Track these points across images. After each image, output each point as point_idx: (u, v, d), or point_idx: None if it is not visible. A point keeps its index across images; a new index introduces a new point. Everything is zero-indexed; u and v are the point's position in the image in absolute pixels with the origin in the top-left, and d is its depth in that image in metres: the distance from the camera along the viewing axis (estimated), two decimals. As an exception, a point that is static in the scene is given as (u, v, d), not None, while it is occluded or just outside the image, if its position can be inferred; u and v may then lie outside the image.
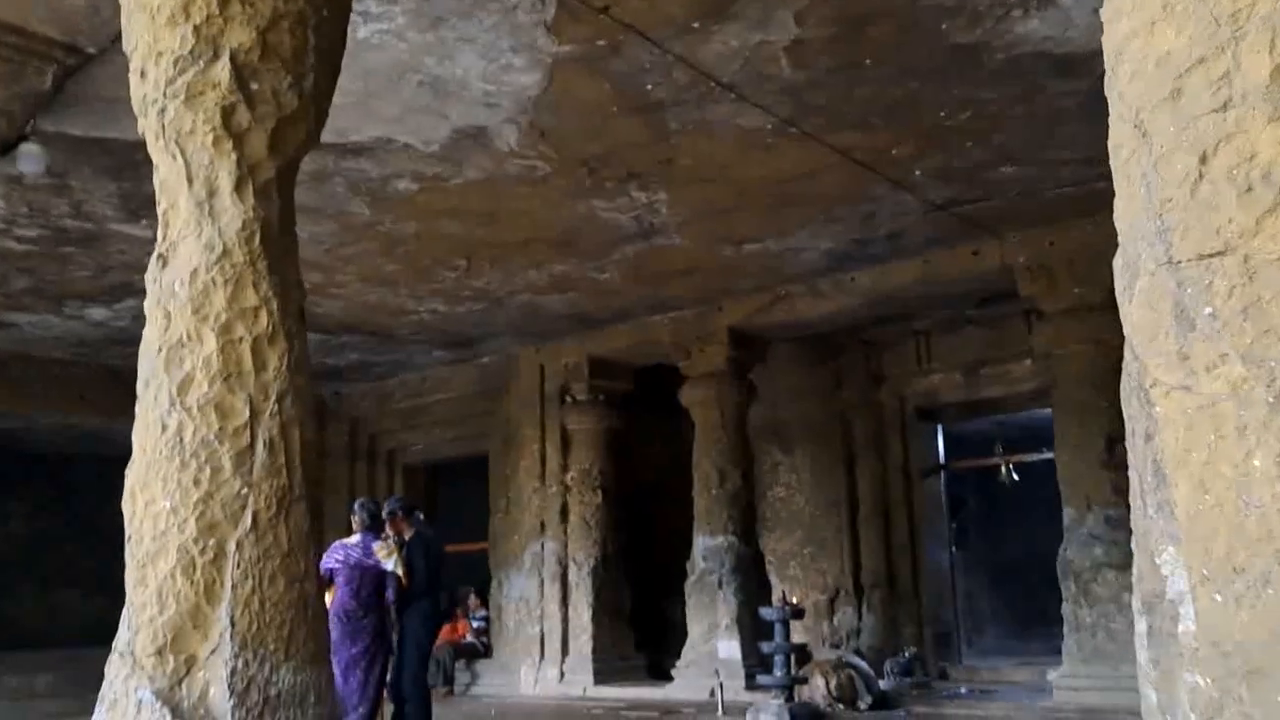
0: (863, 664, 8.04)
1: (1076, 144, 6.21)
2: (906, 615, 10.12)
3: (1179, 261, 1.18)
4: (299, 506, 2.84)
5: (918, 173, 6.65)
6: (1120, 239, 1.32)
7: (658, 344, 9.79)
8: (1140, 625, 1.23)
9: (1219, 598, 1.09)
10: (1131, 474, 1.31)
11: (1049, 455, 10.26)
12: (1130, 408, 1.28)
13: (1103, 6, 1.37)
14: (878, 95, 5.64)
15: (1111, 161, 1.34)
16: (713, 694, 8.39)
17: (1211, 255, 1.15)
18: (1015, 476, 10.95)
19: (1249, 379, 1.09)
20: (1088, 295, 7.47)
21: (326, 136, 6.01)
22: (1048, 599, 13.14)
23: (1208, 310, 1.14)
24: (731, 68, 5.35)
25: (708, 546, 9.14)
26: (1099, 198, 7.04)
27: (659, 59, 5.27)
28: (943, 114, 5.84)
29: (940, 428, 10.84)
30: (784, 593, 8.63)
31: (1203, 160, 1.17)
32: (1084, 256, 7.49)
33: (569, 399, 10.48)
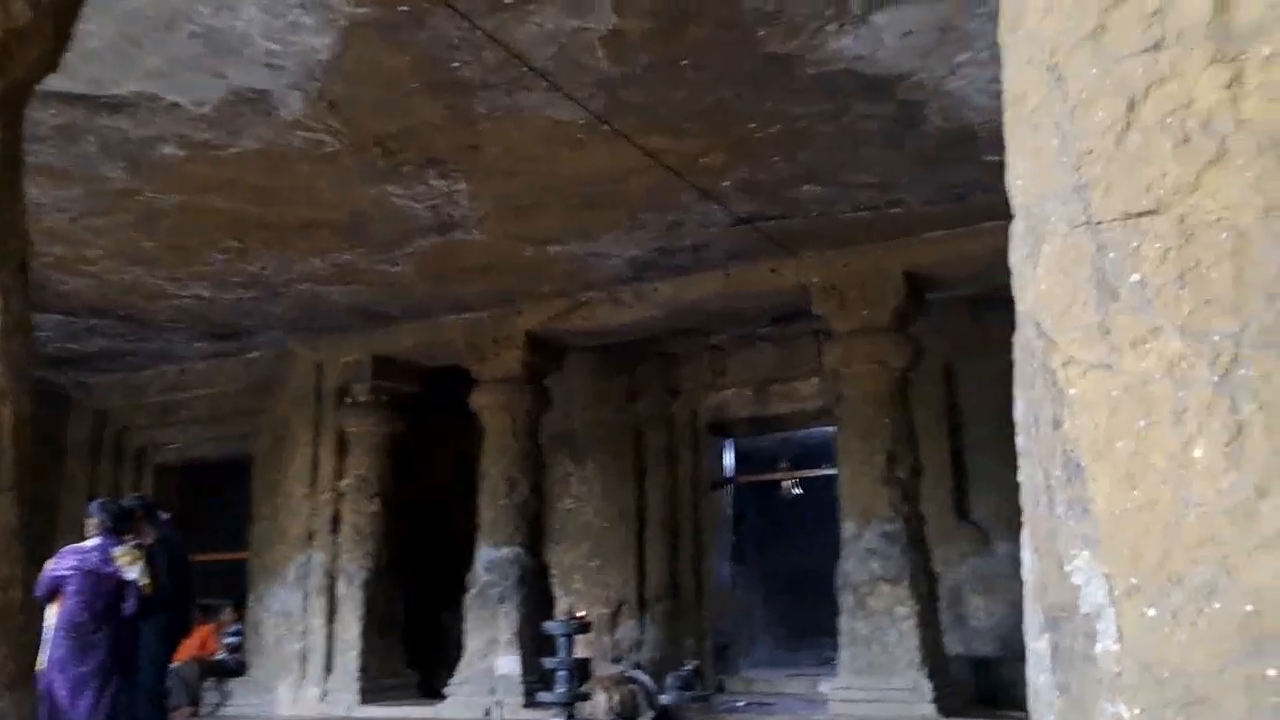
0: (645, 678, 7.92)
1: (876, 168, 6.37)
2: (688, 628, 10.14)
3: (1100, 222, 1.02)
4: (4, 498, 2.31)
5: (725, 184, 6.63)
6: (1018, 200, 1.16)
7: (450, 345, 9.34)
8: (1039, 644, 1.06)
9: (1151, 612, 0.93)
10: (1026, 467, 1.14)
11: (830, 471, 10.63)
12: (1031, 391, 1.11)
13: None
14: (693, 99, 5.54)
15: (1010, 112, 1.18)
16: (488, 713, 8.02)
17: (1140, 215, 0.99)
18: (798, 491, 11.26)
19: (1188, 355, 0.94)
20: (875, 317, 7.72)
21: (79, 87, 5.31)
22: (819, 611, 13.64)
23: (1135, 278, 0.99)
24: (546, 53, 5.10)
25: (492, 558, 8.77)
26: (891, 223, 7.34)
27: (468, 35, 4.93)
28: (753, 125, 5.82)
29: (731, 442, 10.98)
30: (571, 606, 8.40)
31: (1130, 107, 1.02)
32: (874, 280, 7.74)
33: (349, 400, 9.83)
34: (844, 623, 7.67)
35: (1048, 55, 1.10)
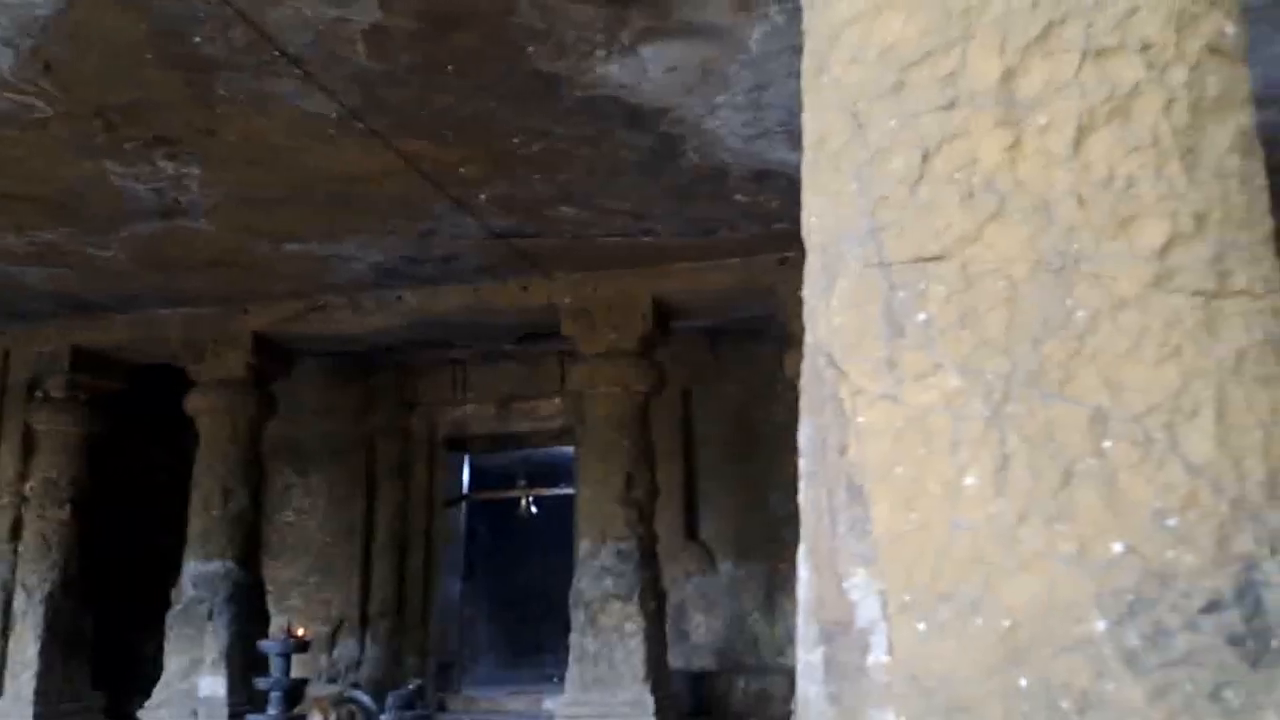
0: (365, 698, 7.61)
1: (632, 196, 6.54)
2: (412, 646, 9.88)
3: (891, 264, 1.09)
4: None
5: (482, 197, 6.57)
6: (815, 238, 1.22)
7: (165, 342, 8.59)
8: (813, 656, 1.11)
9: (921, 627, 1.00)
10: (809, 490, 1.19)
11: (567, 491, 10.76)
12: (820, 418, 1.17)
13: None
14: (455, 107, 5.45)
15: (811, 154, 1.24)
16: (189, 740, 7.41)
17: (929, 259, 1.07)
18: (534, 510, 11.29)
19: (964, 391, 1.02)
20: (622, 342, 7.92)
21: None
22: (542, 629, 13.74)
23: (921, 316, 1.07)
24: (301, 40, 4.83)
25: (200, 572, 8.11)
26: (643, 251, 7.57)
27: (216, 10, 4.59)
28: (516, 140, 5.81)
29: (468, 458, 10.84)
30: (288, 624, 7.92)
31: (924, 159, 1.10)
32: (623, 305, 7.95)
33: (41, 395, 8.79)
34: (574, 639, 7.75)
35: (852, 103, 1.18)
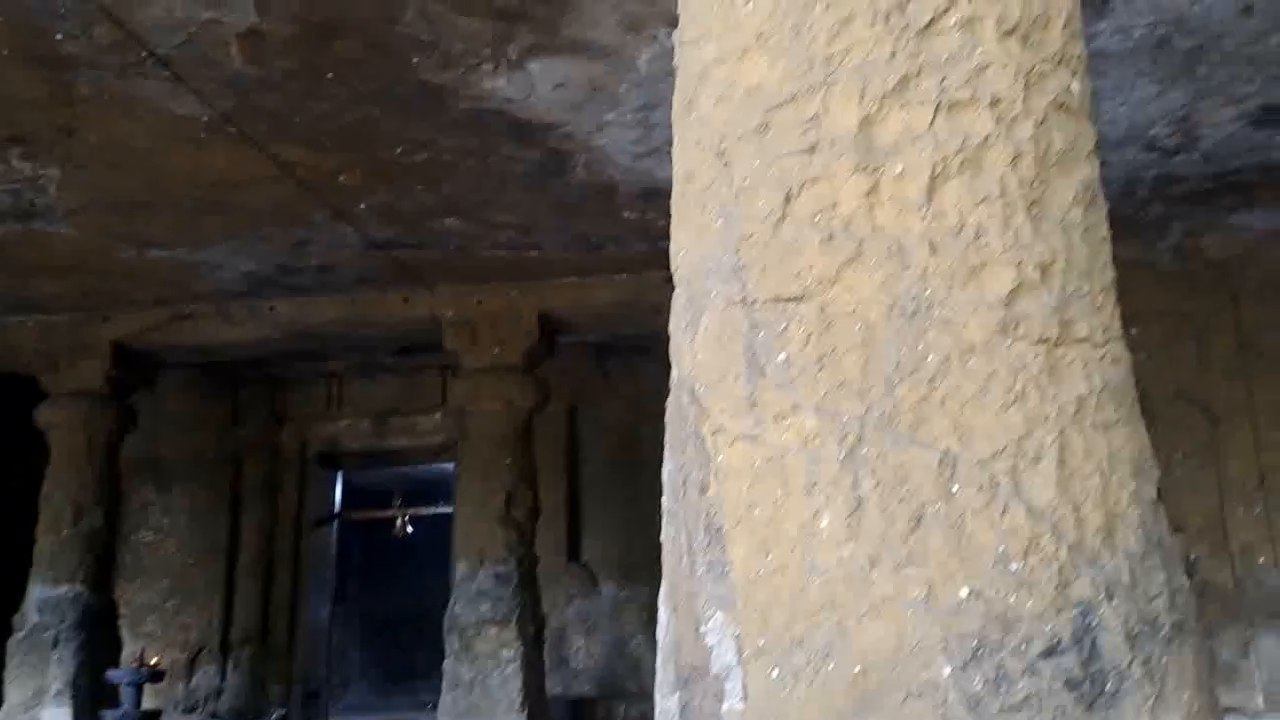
0: (227, 730, 7.27)
1: (518, 210, 6.48)
2: (277, 674, 9.49)
3: (754, 302, 1.09)
4: None
5: (363, 206, 6.41)
6: (682, 272, 1.21)
7: (16, 350, 8.08)
8: (669, 702, 1.09)
9: (775, 673, 0.99)
10: (670, 529, 1.18)
11: (445, 510, 10.54)
12: (682, 455, 1.15)
13: (680, 27, 1.28)
14: (335, 114, 5.30)
15: (680, 189, 1.24)
16: (29, 776, 6.93)
17: (790, 299, 1.08)
18: (410, 530, 11.02)
19: (821, 433, 1.03)
20: (506, 356, 7.82)
21: None
22: (416, 654, 13.42)
23: (782, 356, 1.07)
24: (172, 41, 4.63)
25: (47, 597, 7.61)
26: (528, 265, 7.51)
27: (80, 7, 4.36)
28: (399, 150, 5.69)
29: (340, 475, 10.52)
30: (142, 652, 7.50)
31: (787, 200, 1.11)
32: (507, 319, 7.86)
33: (-127, 403, 8.15)
34: (448, 666, 7.57)
35: (718, 141, 1.18)
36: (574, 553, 9.57)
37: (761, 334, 1.08)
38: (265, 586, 9.51)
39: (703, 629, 1.05)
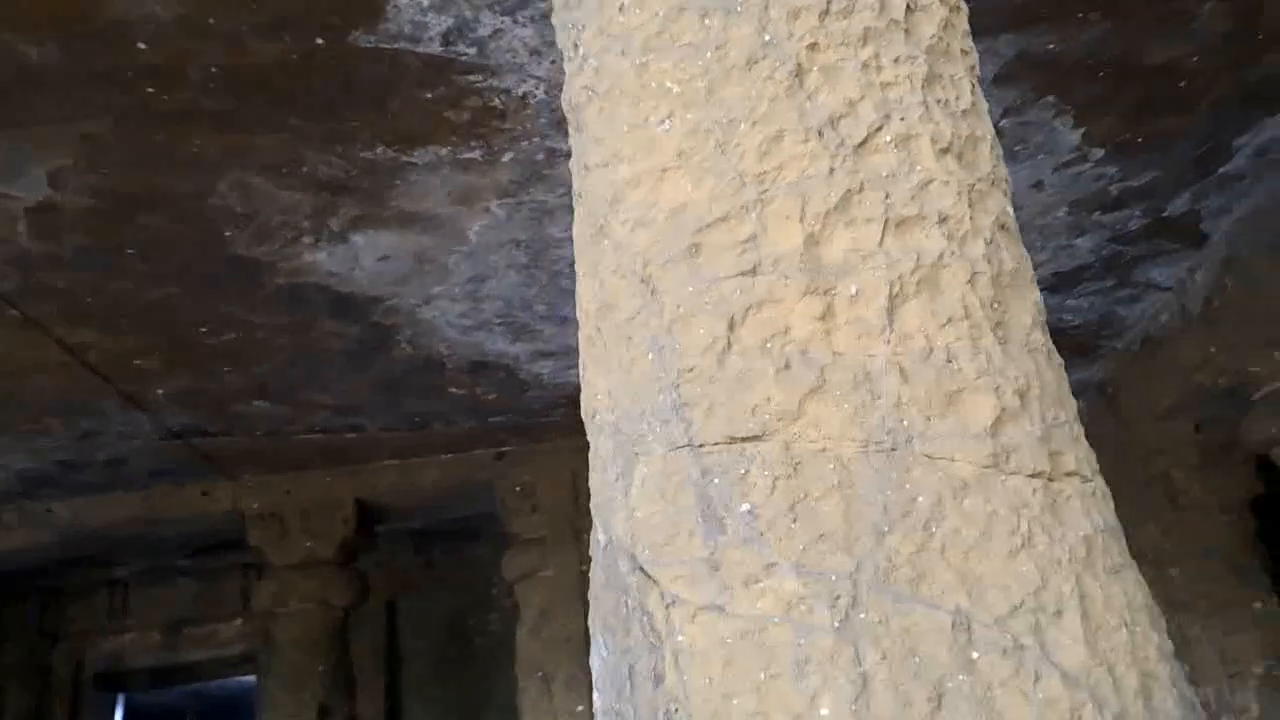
0: None
1: (335, 389, 6.13)
2: None
3: (702, 445, 0.93)
4: None
5: (160, 392, 5.88)
6: (604, 417, 1.04)
7: None
8: None
9: None
10: None
11: (246, 727, 9.42)
12: (624, 638, 0.95)
13: (579, 151, 1.16)
14: (134, 293, 4.89)
15: (593, 325, 1.08)
16: None
17: (746, 439, 0.92)
18: (205, 754, 9.76)
19: (806, 597, 0.86)
20: (319, 550, 7.23)
21: None
22: None
23: (744, 507, 0.90)
24: (-53, 214, 4.19)
25: None
26: (345, 449, 7.07)
27: None
28: (204, 330, 5.30)
29: (123, 697, 9.27)
30: None
31: (731, 327, 0.97)
32: (322, 508, 7.31)
33: None
34: None
35: (641, 267, 1.04)
36: (398, 765, 8.71)
37: (716, 481, 0.92)
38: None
39: None
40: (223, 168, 4.15)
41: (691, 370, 0.98)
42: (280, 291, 5.03)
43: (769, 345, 0.97)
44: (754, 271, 0.99)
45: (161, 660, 8.87)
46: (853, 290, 0.99)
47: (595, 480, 1.05)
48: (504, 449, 7.37)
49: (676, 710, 0.86)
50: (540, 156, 4.34)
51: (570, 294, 5.41)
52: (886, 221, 1.02)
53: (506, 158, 4.33)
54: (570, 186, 5.16)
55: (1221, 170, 4.95)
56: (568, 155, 4.47)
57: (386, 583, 8.64)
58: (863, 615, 0.86)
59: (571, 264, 5.16)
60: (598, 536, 1.02)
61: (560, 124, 4.22)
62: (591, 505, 1.05)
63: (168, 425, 6.32)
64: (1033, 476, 0.94)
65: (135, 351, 5.40)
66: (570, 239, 5.11)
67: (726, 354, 0.97)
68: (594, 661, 1.00)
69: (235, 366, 5.72)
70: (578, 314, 1.15)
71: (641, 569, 0.94)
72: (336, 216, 4.54)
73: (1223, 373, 5.52)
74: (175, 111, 3.82)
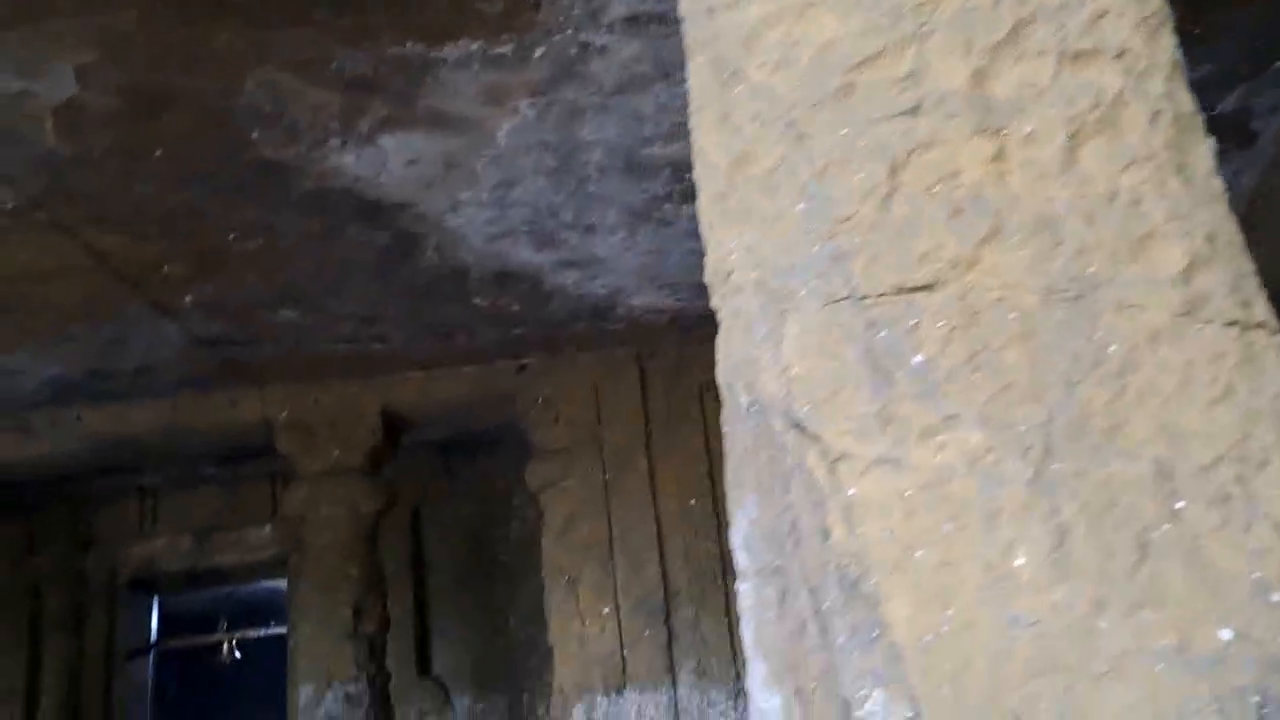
0: None
1: (361, 299, 6.08)
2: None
3: (865, 297, 0.87)
4: None
5: (188, 299, 5.84)
6: (743, 275, 0.98)
7: None
8: None
9: (984, 764, 0.74)
10: (761, 592, 0.92)
11: (277, 631, 9.64)
12: (783, 496, 0.91)
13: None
14: (160, 196, 4.81)
15: (724, 181, 1.02)
16: None
17: (916, 289, 0.87)
18: (238, 654, 10.00)
19: (994, 448, 0.81)
20: (347, 458, 7.27)
21: None
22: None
23: (917, 359, 0.85)
24: (-29, 114, 4.09)
25: None
26: (371, 359, 7.05)
27: None
28: (232, 236, 5.23)
29: (157, 600, 9.47)
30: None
31: (893, 171, 0.90)
32: (348, 417, 7.33)
33: None
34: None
35: (784, 112, 0.97)
36: (424, 666, 8.90)
37: (883, 334, 0.87)
38: (70, 734, 8.35)
39: (858, 713, 0.80)
40: (249, 64, 4.03)
41: (850, 219, 0.91)
42: (307, 196, 4.94)
43: (936, 190, 0.91)
44: (916, 111, 0.93)
45: (192, 564, 9.03)
46: (1026, 130, 0.92)
47: (733, 342, 1.00)
48: (526, 361, 7.35)
49: (849, 564, 0.83)
50: (573, 51, 4.20)
51: (598, 201, 5.30)
52: (1060, 55, 0.94)
53: (538, 53, 4.19)
54: (603, 87, 5.01)
55: (1277, 65, 4.78)
56: (601, 51, 4.34)
57: (410, 492, 8.70)
58: (1056, 466, 0.82)
59: (601, 169, 5.07)
60: (738, 400, 0.97)
61: (595, 16, 4.07)
62: (724, 369, 1.00)
63: (195, 333, 6.30)
64: (1228, 325, 0.89)
65: (162, 257, 5.34)
66: (601, 142, 5.01)
67: (889, 200, 0.91)
68: (738, 524, 0.97)
69: (261, 274, 5.66)
70: (697, 172, 1.08)
71: (798, 426, 0.89)
72: (365, 117, 4.43)
73: (1266, 281, 5.42)
74: (200, 3, 3.70)
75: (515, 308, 6.46)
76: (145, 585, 9.18)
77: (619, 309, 6.65)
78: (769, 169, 0.99)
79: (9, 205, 4.69)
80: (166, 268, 5.45)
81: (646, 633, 6.76)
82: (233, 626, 10.15)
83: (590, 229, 5.53)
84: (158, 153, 4.51)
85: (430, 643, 8.98)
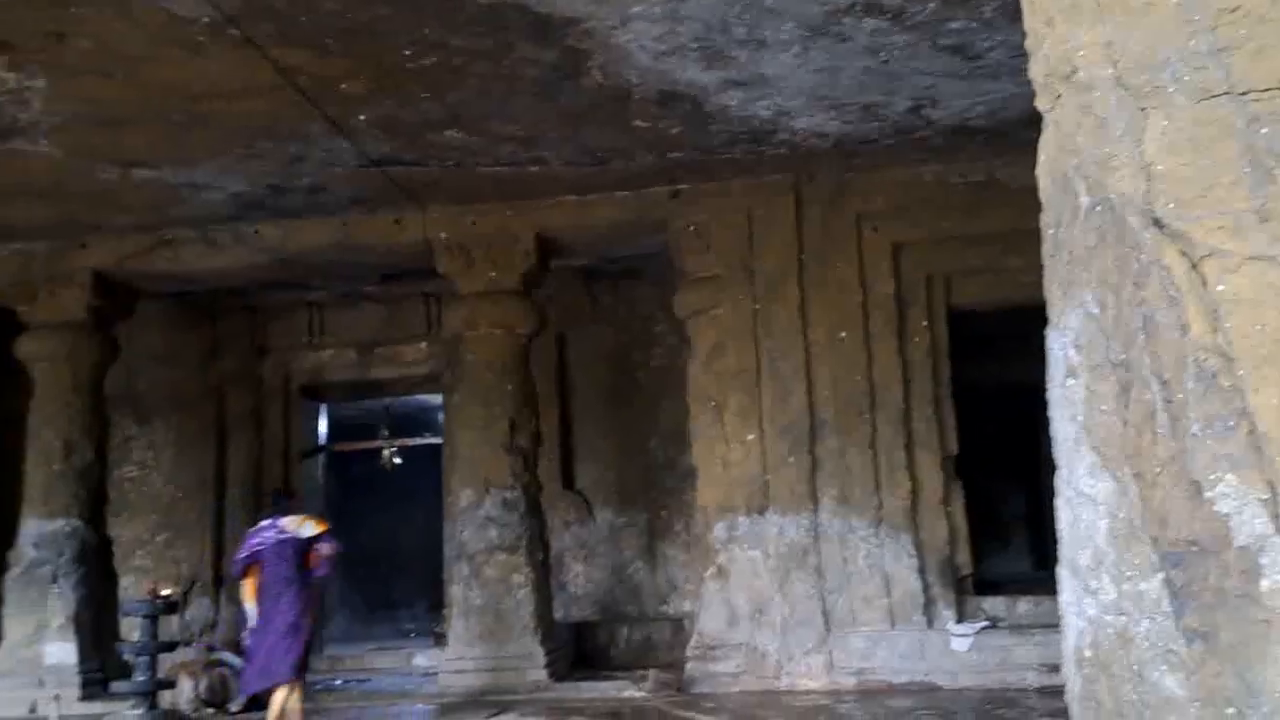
0: (234, 659, 7.05)
1: (522, 120, 6.12)
2: (267, 606, 9.28)
3: (1247, 92, 0.87)
4: None
5: (362, 118, 6.01)
6: (1099, 70, 0.98)
7: (-12, 280, 7.61)
8: (1148, 585, 0.90)
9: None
10: (1097, 386, 0.97)
11: (433, 440, 10.28)
12: (1138, 291, 0.94)
13: None
14: (344, 12, 4.89)
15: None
16: (34, 709, 6.73)
17: (1306, 84, 0.86)
18: (398, 461, 10.76)
19: None
20: (502, 280, 7.51)
21: None
22: (394, 586, 13.26)
23: (1303, 155, 0.85)
24: (172, -75, 4.20)
25: (43, 532, 7.30)
26: (527, 182, 7.15)
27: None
28: (407, 53, 5.30)
29: (325, 407, 10.20)
30: (154, 583, 7.26)
31: (1285, -40, 0.88)
32: (504, 240, 7.53)
33: None
34: (458, 592, 7.41)
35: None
36: (568, 480, 9.40)
37: (1265, 130, 0.87)
38: (254, 519, 9.23)
39: (1209, 494, 0.86)
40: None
41: (1236, 10, 0.90)
42: (480, 13, 4.94)
43: (1336, -21, 0.88)
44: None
45: (356, 376, 9.63)
46: None
47: (1081, 139, 1.01)
48: (680, 187, 7.32)
49: (1208, 358, 0.87)
50: None
51: (774, 14, 5.09)
52: None
53: None
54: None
55: None
56: None
57: (556, 316, 8.96)
58: None
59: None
60: (1077, 200, 0.99)
61: None
62: (1068, 167, 1.02)
63: (367, 152, 6.50)
64: None
65: (342, 74, 5.47)
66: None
67: (1280, -8, 0.89)
68: (1068, 322, 1.00)
69: (432, 93, 5.75)
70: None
71: (1159, 223, 0.91)
72: (546, -74, 4.35)
73: None
74: None
75: (674, 131, 6.38)
76: (314, 392, 9.87)
77: (780, 133, 6.50)
78: (1139, -39, 0.97)
79: (206, 20, 4.86)
80: (345, 85, 5.59)
81: (791, 459, 6.93)
82: (391, 436, 10.84)
83: (761, 44, 5.35)
84: (343, -33, 4.57)
85: (574, 460, 9.45)
